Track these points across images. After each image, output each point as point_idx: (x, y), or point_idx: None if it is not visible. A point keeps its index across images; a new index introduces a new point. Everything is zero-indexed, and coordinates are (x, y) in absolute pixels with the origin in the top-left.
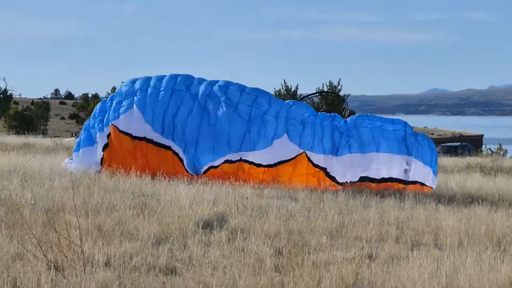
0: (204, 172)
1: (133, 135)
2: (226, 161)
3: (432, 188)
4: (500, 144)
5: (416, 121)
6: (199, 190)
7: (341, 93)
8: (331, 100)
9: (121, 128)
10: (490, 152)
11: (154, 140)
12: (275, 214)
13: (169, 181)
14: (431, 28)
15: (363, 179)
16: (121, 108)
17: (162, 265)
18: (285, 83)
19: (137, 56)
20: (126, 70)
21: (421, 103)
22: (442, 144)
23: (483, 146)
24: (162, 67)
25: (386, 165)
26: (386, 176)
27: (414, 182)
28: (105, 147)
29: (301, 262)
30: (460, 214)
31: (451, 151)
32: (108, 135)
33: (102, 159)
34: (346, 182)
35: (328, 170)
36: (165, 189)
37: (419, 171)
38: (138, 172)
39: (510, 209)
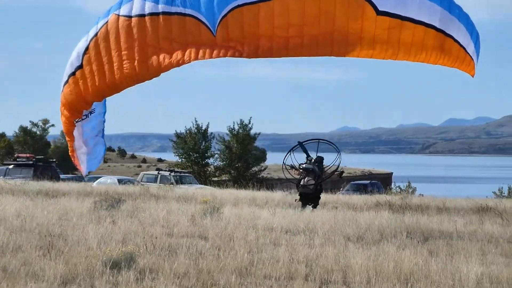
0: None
1: None
2: None
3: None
4: (409, 182)
5: (328, 159)
6: (107, 230)
7: (252, 132)
8: (242, 139)
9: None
10: (399, 189)
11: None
12: (185, 253)
13: (76, 220)
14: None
15: None
16: None
17: None
18: (196, 121)
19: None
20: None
21: (332, 141)
22: (352, 182)
23: (392, 184)
24: None
25: None
26: None
27: None
28: None
29: None
30: (368, 251)
31: (361, 189)
32: None
33: None
34: None
35: None
36: (73, 229)
37: None
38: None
39: (418, 247)
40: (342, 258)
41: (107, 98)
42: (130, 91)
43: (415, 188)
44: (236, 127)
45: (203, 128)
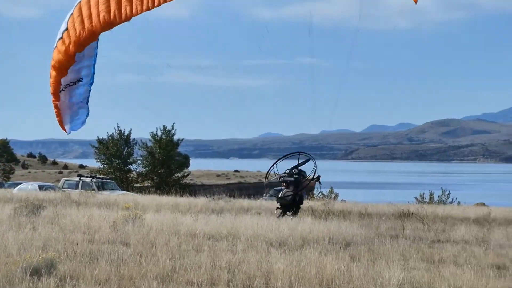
0: None
1: None
2: None
3: None
4: (331, 188)
5: (250, 165)
6: (27, 236)
7: (175, 138)
8: (165, 145)
9: None
10: (322, 195)
11: None
12: (106, 260)
13: None
14: (265, 73)
15: None
16: None
17: None
18: (118, 127)
19: None
20: None
21: (255, 147)
22: (275, 188)
23: (315, 190)
24: None
25: None
26: None
27: None
28: None
29: None
30: (291, 257)
31: None
32: None
33: None
34: None
35: None
36: None
37: None
38: None
39: (340, 252)
40: (265, 263)
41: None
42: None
43: (338, 193)
44: (159, 133)
45: (126, 134)
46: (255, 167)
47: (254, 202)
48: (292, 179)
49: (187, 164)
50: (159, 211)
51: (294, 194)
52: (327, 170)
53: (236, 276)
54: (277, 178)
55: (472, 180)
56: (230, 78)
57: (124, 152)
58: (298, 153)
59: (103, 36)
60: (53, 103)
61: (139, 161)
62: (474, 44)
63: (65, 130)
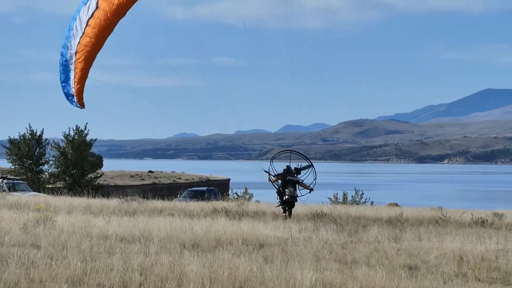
0: None
1: None
2: None
3: None
4: (246, 188)
5: (164, 166)
6: None
7: (88, 138)
8: (78, 145)
9: None
10: (236, 196)
11: None
12: (16, 263)
13: None
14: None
15: None
16: None
17: None
18: (30, 127)
19: None
20: None
21: (169, 148)
22: (189, 189)
23: (230, 190)
24: None
25: None
26: None
27: None
28: None
29: None
30: (204, 259)
31: (198, 196)
32: None
33: None
34: None
35: None
36: None
37: None
38: None
39: (254, 253)
40: (177, 266)
41: None
42: None
43: (252, 194)
44: (72, 133)
45: (38, 134)
46: (170, 168)
47: (168, 203)
48: (295, 179)
49: (100, 165)
50: (71, 212)
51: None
52: (241, 171)
53: (148, 278)
54: (278, 177)
55: (385, 181)
56: (145, 77)
57: (36, 153)
58: (290, 152)
59: (16, 33)
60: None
61: (51, 162)
62: (387, 45)
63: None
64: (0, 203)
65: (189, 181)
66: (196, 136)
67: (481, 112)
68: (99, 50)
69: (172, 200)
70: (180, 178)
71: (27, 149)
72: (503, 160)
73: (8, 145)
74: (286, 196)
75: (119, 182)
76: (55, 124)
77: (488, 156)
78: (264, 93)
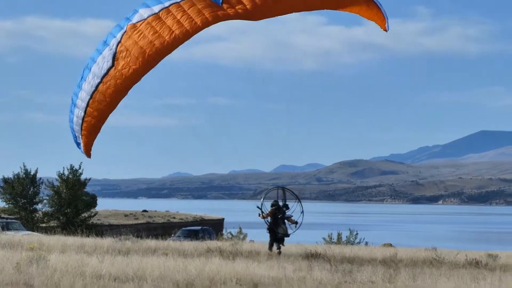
0: None
1: None
2: None
3: None
4: (240, 228)
5: (159, 205)
6: None
7: (82, 177)
8: (72, 184)
9: None
10: (230, 235)
11: None
12: None
13: None
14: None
15: None
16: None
17: None
18: (24, 166)
19: None
20: None
21: (163, 187)
22: (183, 228)
23: (224, 230)
24: None
25: None
26: None
27: None
28: None
29: None
30: None
31: (192, 235)
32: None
33: None
34: None
35: None
36: None
37: None
38: None
39: None
40: None
41: None
42: None
43: (246, 234)
44: (66, 172)
45: (32, 173)
46: (164, 207)
47: (162, 243)
48: (285, 216)
49: (94, 204)
50: (64, 252)
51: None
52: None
53: None
54: (269, 213)
55: (379, 221)
56: (139, 117)
57: (30, 192)
58: (277, 188)
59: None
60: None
61: (45, 201)
62: (382, 86)
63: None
64: None
65: (183, 221)
66: (190, 176)
67: (476, 153)
68: (112, 110)
69: (166, 239)
70: (174, 218)
71: (21, 188)
72: (497, 201)
73: (2, 184)
74: (280, 234)
75: (113, 221)
76: (50, 163)
77: (482, 197)
78: (259, 133)
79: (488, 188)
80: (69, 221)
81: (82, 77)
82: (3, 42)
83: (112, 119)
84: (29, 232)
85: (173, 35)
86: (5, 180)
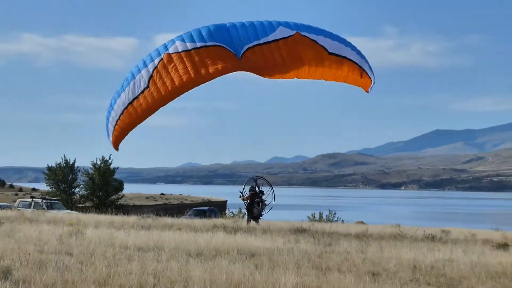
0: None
1: None
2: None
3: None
4: (240, 208)
5: (174, 189)
6: None
7: (112, 166)
8: (103, 172)
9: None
10: (232, 214)
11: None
12: (53, 267)
13: None
14: (187, 113)
15: None
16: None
17: None
18: (64, 157)
19: None
20: None
21: (178, 175)
22: (193, 208)
23: (227, 210)
24: None
25: None
26: None
27: None
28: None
29: None
30: (206, 265)
31: (201, 214)
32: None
33: None
34: None
35: None
36: None
37: None
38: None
39: (246, 261)
40: (184, 271)
41: None
42: (12, 133)
43: (245, 213)
44: (99, 162)
45: (71, 162)
46: (178, 191)
47: (176, 220)
48: (260, 200)
49: (121, 188)
50: (97, 227)
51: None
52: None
53: (160, 281)
54: (248, 197)
55: (353, 203)
56: (160, 117)
57: (69, 178)
58: (255, 178)
59: (50, 81)
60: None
61: (81, 185)
62: (357, 93)
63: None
64: (40, 219)
65: (194, 202)
66: (199, 165)
67: (432, 148)
68: (140, 122)
69: (180, 217)
70: (186, 200)
71: (62, 175)
72: (449, 187)
73: (47, 172)
74: (254, 214)
75: (137, 202)
76: (85, 154)
77: (437, 184)
78: (255, 130)
79: (442, 177)
80: (101, 202)
81: (122, 87)
82: (48, 56)
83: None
84: (69, 211)
85: (198, 73)
86: (49, 168)
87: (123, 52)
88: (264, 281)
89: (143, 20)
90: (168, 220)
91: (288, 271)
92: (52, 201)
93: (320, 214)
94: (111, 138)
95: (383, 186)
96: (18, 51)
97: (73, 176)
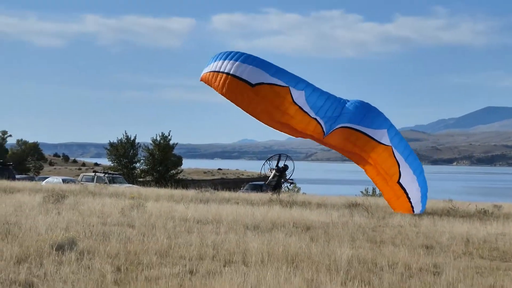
0: None
1: None
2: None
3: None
4: (295, 183)
5: (230, 165)
6: (54, 219)
7: (171, 142)
8: (163, 148)
9: None
10: (287, 189)
11: None
12: (116, 239)
13: (29, 211)
14: None
15: None
16: None
17: (22, 280)
18: (126, 133)
19: None
20: None
21: (234, 150)
22: (250, 183)
23: (282, 184)
24: None
25: None
26: None
27: None
28: None
29: (135, 277)
30: (263, 238)
31: (258, 188)
32: None
33: None
34: None
35: None
36: (26, 218)
37: None
38: None
39: (302, 234)
40: (242, 243)
41: None
42: (75, 110)
43: (300, 188)
44: (158, 138)
45: (132, 138)
46: (235, 166)
47: (234, 194)
48: (278, 174)
49: (180, 163)
50: (158, 200)
51: (276, 182)
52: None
53: (219, 252)
54: (270, 171)
55: None
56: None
57: (130, 153)
58: (279, 155)
59: (112, 61)
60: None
61: (142, 161)
62: (409, 71)
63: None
64: (103, 193)
65: (250, 177)
66: (255, 142)
67: (484, 125)
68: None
69: (237, 191)
70: (243, 175)
71: (124, 151)
72: (501, 163)
73: (109, 147)
74: (274, 185)
75: (195, 177)
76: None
77: (488, 160)
78: None
79: (493, 153)
80: (161, 177)
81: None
82: (109, 36)
83: (195, 97)
84: (130, 185)
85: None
86: (111, 144)
87: (181, 32)
88: (320, 253)
89: (200, 0)
90: (226, 194)
91: (343, 244)
92: (114, 176)
93: (373, 189)
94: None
95: (435, 162)
96: (80, 31)
97: (134, 151)
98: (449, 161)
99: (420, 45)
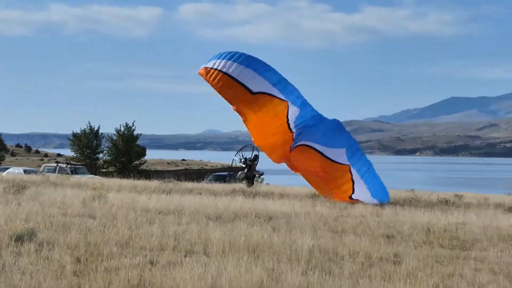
0: None
1: None
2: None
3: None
4: (261, 173)
5: (194, 155)
6: (13, 210)
7: (135, 133)
8: (126, 138)
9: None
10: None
11: None
12: (76, 229)
13: None
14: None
15: None
16: None
17: None
18: (89, 124)
19: None
20: None
21: (198, 141)
22: (213, 173)
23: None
24: None
25: None
26: None
27: None
28: None
29: (95, 268)
30: (225, 228)
31: (221, 179)
32: None
33: None
34: None
35: None
36: None
37: None
38: None
39: (264, 224)
40: (204, 233)
41: None
42: (38, 100)
43: (263, 178)
44: (122, 129)
45: (95, 129)
46: (198, 157)
47: (197, 185)
48: (246, 165)
49: (144, 154)
50: (120, 191)
51: (246, 174)
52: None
53: (180, 243)
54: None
55: None
56: (182, 85)
57: (93, 144)
58: (246, 146)
59: (77, 52)
60: None
61: (105, 151)
62: (375, 62)
63: None
64: (65, 183)
65: (213, 168)
66: (220, 132)
67: (448, 115)
68: None
69: (200, 182)
70: (206, 165)
71: (87, 141)
72: (463, 153)
73: (72, 138)
74: (245, 175)
75: (159, 167)
76: (109, 121)
77: (451, 150)
78: None
79: (456, 143)
80: (124, 167)
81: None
82: (75, 25)
83: (159, 86)
84: (92, 176)
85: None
86: (74, 135)
87: (148, 21)
88: (282, 243)
89: None
90: (189, 184)
91: (305, 234)
92: (76, 166)
93: None
94: None
95: (399, 152)
96: (46, 19)
97: (97, 142)
98: (412, 152)
99: (388, 35)
